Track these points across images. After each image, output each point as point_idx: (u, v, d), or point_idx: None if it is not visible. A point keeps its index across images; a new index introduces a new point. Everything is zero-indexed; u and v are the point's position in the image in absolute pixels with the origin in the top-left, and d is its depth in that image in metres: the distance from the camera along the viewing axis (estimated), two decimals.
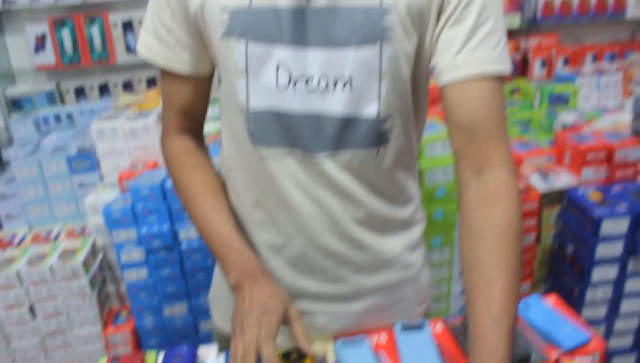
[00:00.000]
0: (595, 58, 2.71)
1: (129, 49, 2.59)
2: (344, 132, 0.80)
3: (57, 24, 2.56)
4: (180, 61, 0.88)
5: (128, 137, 1.95)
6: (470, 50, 0.76)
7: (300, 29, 0.76)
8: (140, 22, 2.55)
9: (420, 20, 0.77)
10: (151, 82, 2.70)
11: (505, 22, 0.80)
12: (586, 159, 1.71)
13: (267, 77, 0.79)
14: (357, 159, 0.82)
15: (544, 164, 1.82)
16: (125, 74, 2.68)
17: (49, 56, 2.61)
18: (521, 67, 2.70)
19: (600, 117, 2.21)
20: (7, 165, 2.30)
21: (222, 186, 0.95)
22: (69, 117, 2.33)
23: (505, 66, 0.78)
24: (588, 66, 2.63)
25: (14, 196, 1.98)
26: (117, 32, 2.57)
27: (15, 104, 2.65)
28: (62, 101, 2.70)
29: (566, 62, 2.67)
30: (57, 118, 2.33)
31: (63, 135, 2.20)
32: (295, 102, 0.79)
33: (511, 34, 2.73)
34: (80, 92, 2.71)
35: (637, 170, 1.77)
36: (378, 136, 0.81)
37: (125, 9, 2.58)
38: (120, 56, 2.60)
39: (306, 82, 0.78)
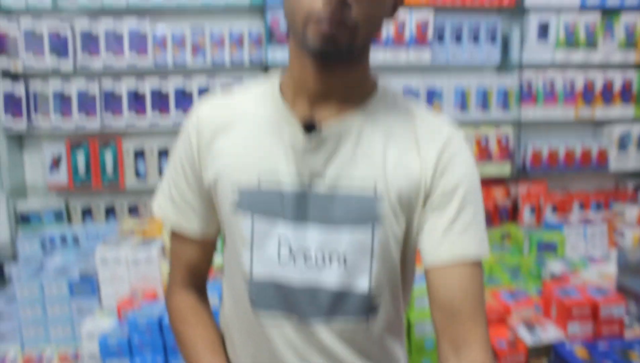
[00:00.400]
0: (583, 206, 2.84)
1: (139, 175, 2.73)
2: (337, 303, 0.87)
3: (74, 147, 2.71)
4: (190, 224, 0.97)
5: (130, 266, 2.01)
6: (452, 236, 0.85)
7: (301, 208, 0.86)
8: (151, 151, 2.71)
9: (409, 206, 0.86)
10: None
11: (483, 207, 0.89)
12: (572, 314, 1.76)
13: (270, 251, 0.87)
14: (348, 327, 0.88)
15: (532, 316, 1.87)
16: (132, 198, 2.79)
17: (62, 176, 2.74)
18: (511, 213, 2.82)
19: (586, 267, 2.29)
20: (9, 281, 2.35)
21: (222, 340, 1.00)
22: (75, 239, 2.40)
23: (483, 251, 0.86)
24: (575, 214, 2.75)
25: (10, 315, 2.00)
26: (128, 159, 2.72)
27: (24, 219, 2.74)
28: (69, 219, 2.79)
29: (554, 209, 2.80)
30: (63, 239, 2.41)
31: (67, 257, 2.26)
32: (295, 275, 0.87)
33: (502, 181, 2.89)
34: (87, 212, 2.81)
35: (622, 326, 1.82)
36: (368, 307, 0.88)
37: (138, 138, 2.75)
38: (130, 181, 2.73)
39: (304, 256, 0.86)
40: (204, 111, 0.94)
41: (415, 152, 0.87)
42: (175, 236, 1.01)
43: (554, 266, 2.25)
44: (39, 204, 2.76)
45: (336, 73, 0.84)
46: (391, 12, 0.86)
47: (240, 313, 0.93)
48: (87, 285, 1.99)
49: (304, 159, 0.86)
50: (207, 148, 0.92)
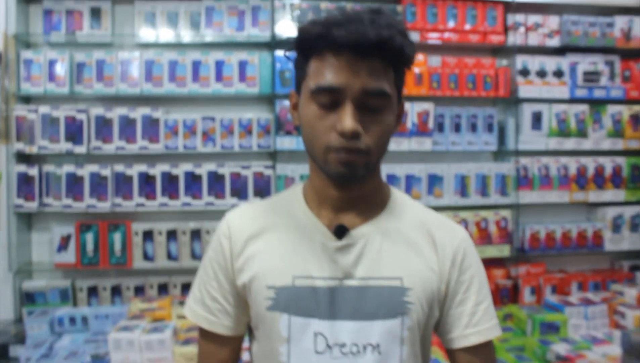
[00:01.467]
0: (581, 286, 2.91)
1: (146, 257, 2.77)
2: None
3: (83, 228, 2.76)
4: (222, 326, 1.04)
5: (143, 349, 2.03)
6: (475, 323, 1.01)
7: (334, 305, 0.95)
8: (160, 232, 2.76)
9: (431, 296, 0.98)
10: (162, 288, 2.83)
11: (490, 292, 1.05)
12: None
13: (306, 344, 0.95)
14: None
15: None
16: (138, 278, 2.82)
17: (70, 256, 2.77)
18: (512, 294, 2.88)
19: (591, 348, 2.33)
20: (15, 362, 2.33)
21: None
22: (84, 320, 2.41)
23: (498, 331, 1.03)
24: (574, 294, 2.82)
25: None
26: (137, 240, 2.77)
27: (28, 298, 2.74)
28: (75, 298, 2.80)
29: (554, 289, 2.86)
30: (72, 319, 2.41)
31: (76, 338, 2.27)
32: None
33: (501, 262, 2.97)
34: (93, 292, 2.82)
35: None
36: None
37: (147, 220, 2.81)
38: (137, 262, 2.76)
39: (340, 347, 0.94)
40: (235, 220, 1.05)
41: (433, 250, 1.01)
42: (207, 338, 1.06)
43: (559, 347, 2.29)
44: (44, 284, 2.77)
45: (355, 189, 0.99)
46: (395, 126, 0.99)
47: None
48: None
49: (335, 260, 0.96)
50: (239, 253, 1.01)
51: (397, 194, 1.07)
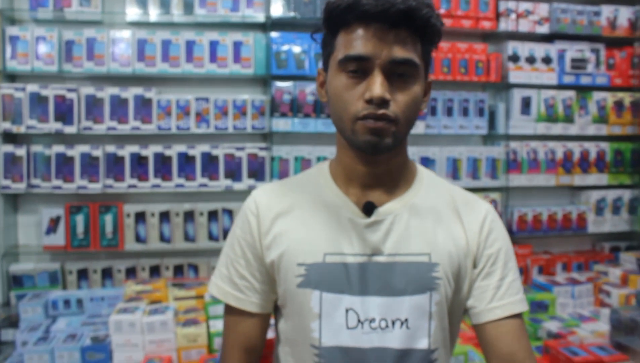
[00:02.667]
0: (565, 267, 3.00)
1: (139, 238, 2.74)
2: (402, 360, 0.96)
3: (73, 210, 2.71)
4: (251, 303, 1.03)
5: (145, 331, 2.01)
6: (500, 297, 1.00)
7: (364, 281, 0.96)
8: (152, 214, 2.74)
9: (459, 271, 1.00)
10: (154, 270, 2.80)
11: (517, 267, 1.04)
12: None
13: (338, 320, 0.96)
14: None
15: None
16: (129, 260, 2.79)
17: (59, 238, 2.72)
18: None
19: (579, 325, 2.41)
20: (8, 346, 2.28)
21: None
22: (79, 302, 2.37)
23: (525, 306, 1.02)
24: (560, 275, 2.91)
25: None
26: (129, 221, 2.74)
27: (16, 281, 2.68)
28: (64, 281, 2.76)
29: (540, 270, 2.95)
30: (67, 302, 2.37)
31: (73, 321, 2.23)
32: (362, 340, 0.95)
33: None
34: (83, 274, 2.78)
35: None
36: (428, 361, 0.97)
37: (140, 202, 2.78)
38: (129, 244, 2.73)
39: (370, 322, 0.95)
40: (262, 197, 1.05)
41: (460, 225, 1.02)
42: (234, 316, 1.05)
43: (550, 325, 2.37)
44: (32, 267, 2.72)
45: (382, 163, 0.99)
46: (423, 102, 1.00)
47: None
48: (100, 353, 1.97)
49: (364, 236, 0.98)
50: (267, 231, 1.01)
51: (424, 171, 1.08)
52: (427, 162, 2.87)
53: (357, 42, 0.91)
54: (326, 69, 1.00)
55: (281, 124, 2.74)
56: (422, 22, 0.91)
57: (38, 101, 2.62)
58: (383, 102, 0.89)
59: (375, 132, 0.91)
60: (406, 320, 0.95)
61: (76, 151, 2.65)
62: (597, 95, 3.08)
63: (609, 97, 3.10)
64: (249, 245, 1.03)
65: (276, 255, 0.99)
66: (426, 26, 0.92)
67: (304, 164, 2.76)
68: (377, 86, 0.89)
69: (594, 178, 3.09)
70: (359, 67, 0.91)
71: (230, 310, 1.06)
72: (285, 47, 2.75)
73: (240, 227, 1.05)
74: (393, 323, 0.95)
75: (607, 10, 3.07)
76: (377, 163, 0.99)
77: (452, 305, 1.01)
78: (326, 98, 1.00)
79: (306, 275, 0.96)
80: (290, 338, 1.03)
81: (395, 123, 0.92)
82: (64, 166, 2.65)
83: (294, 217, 1.01)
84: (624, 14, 3.09)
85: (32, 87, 2.62)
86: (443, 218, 1.02)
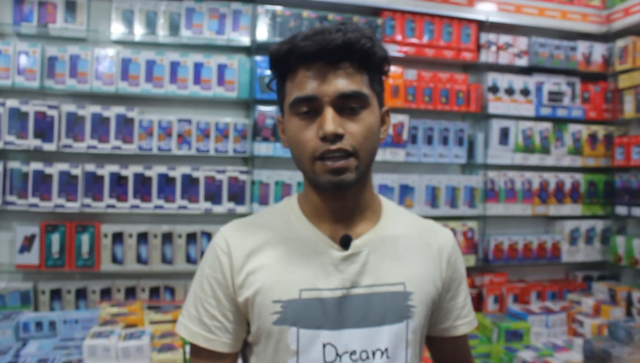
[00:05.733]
0: (540, 295, 3.05)
1: (115, 259, 2.70)
2: None
3: (49, 229, 2.67)
4: (222, 343, 1.01)
5: (120, 356, 1.98)
6: (465, 315, 1.13)
7: (342, 314, 0.97)
8: (130, 235, 2.70)
9: (431, 298, 1.05)
10: (129, 292, 2.76)
11: None
12: None
13: (315, 355, 0.96)
14: None
15: None
16: (104, 281, 2.74)
17: (33, 257, 2.66)
18: (477, 303, 2.98)
19: (553, 355, 2.45)
20: None
21: None
22: (51, 325, 2.33)
23: (477, 322, 1.17)
24: (534, 303, 2.95)
25: None
26: (106, 242, 2.70)
27: None
28: (36, 302, 2.70)
29: (515, 298, 2.99)
30: (38, 325, 2.32)
31: (44, 344, 2.18)
32: None
33: (467, 271, 3.06)
34: (56, 295, 2.72)
35: None
36: None
37: (118, 222, 2.74)
38: (105, 265, 2.69)
39: (350, 354, 0.96)
40: (232, 235, 1.03)
41: (429, 253, 1.07)
42: (202, 356, 1.02)
43: (525, 354, 2.40)
44: (3, 286, 2.66)
45: (350, 197, 1.01)
46: (381, 131, 1.02)
47: None
48: None
49: (341, 270, 0.99)
50: (240, 269, 1.00)
51: (386, 201, 1.12)
52: (406, 190, 2.89)
53: (303, 83, 0.93)
54: (283, 114, 1.02)
55: (263, 149, 2.75)
56: (363, 54, 0.94)
57: (18, 116, 2.58)
58: (337, 137, 0.91)
59: (335, 171, 0.93)
60: (386, 349, 0.98)
61: (55, 169, 2.62)
62: (573, 127, 3.17)
63: (584, 130, 3.18)
64: (219, 284, 1.01)
65: (250, 292, 0.98)
66: (368, 56, 0.95)
67: (284, 189, 2.77)
68: (328, 122, 0.91)
69: (569, 208, 3.15)
70: (310, 108, 0.93)
71: (198, 353, 1.03)
72: (269, 72, 2.76)
73: (209, 266, 1.03)
74: (374, 353, 0.97)
75: (582, 46, 3.16)
76: (344, 198, 1.00)
77: (423, 331, 1.05)
78: (287, 143, 1.01)
79: (282, 312, 0.96)
80: None
81: (355, 156, 0.93)
82: (42, 183, 2.61)
83: (267, 254, 1.00)
84: (598, 50, 3.19)
85: (12, 103, 2.59)
86: (413, 247, 1.06)
